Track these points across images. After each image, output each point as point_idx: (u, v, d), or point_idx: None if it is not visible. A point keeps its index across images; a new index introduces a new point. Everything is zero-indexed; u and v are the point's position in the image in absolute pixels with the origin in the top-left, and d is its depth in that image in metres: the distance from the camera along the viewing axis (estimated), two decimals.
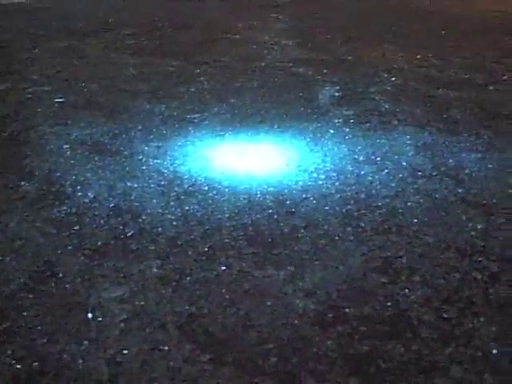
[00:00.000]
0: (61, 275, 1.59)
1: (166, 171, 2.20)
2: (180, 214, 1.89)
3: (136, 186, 2.09)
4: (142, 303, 1.48)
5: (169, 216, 1.88)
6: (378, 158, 2.30)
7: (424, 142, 2.45)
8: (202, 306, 1.47)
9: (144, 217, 1.88)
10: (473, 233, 1.78)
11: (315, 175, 2.15)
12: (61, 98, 3.02)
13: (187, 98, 3.01)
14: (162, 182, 2.11)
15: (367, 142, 2.45)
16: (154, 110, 2.84)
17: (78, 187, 2.08)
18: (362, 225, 1.82)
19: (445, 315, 1.43)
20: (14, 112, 2.82)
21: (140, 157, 2.33)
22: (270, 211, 1.90)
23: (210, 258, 1.66)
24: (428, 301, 1.48)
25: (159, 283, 1.55)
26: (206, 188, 2.06)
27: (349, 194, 2.02)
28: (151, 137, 2.52)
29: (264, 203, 1.95)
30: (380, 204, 1.95)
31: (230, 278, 1.57)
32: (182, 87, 3.17)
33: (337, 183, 2.10)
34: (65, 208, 1.94)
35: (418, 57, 3.74)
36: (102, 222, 1.85)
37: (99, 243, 1.73)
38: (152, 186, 2.09)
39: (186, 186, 2.08)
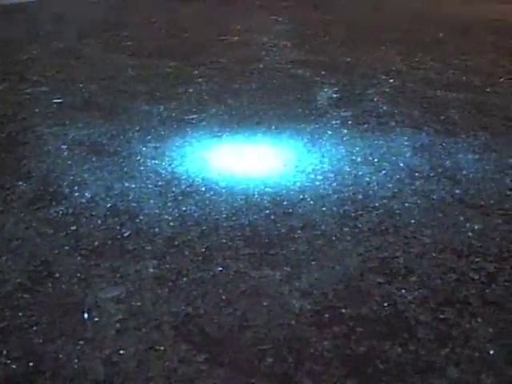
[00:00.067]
0: (57, 275, 1.58)
1: (163, 172, 2.20)
2: (177, 215, 1.89)
3: (133, 186, 2.09)
4: (139, 303, 1.47)
5: (166, 216, 1.88)
6: (376, 159, 2.30)
7: (421, 143, 2.45)
8: (199, 306, 1.46)
9: (141, 217, 1.88)
10: (470, 233, 1.78)
11: (313, 176, 2.15)
12: (59, 98, 3.03)
13: (185, 99, 3.01)
14: (160, 183, 2.11)
15: (365, 143, 2.45)
16: (152, 110, 2.84)
17: (76, 187, 2.08)
18: (359, 225, 1.82)
19: (442, 316, 1.43)
20: (11, 112, 2.82)
21: (138, 157, 2.33)
22: (267, 212, 1.90)
23: (206, 258, 1.66)
24: (425, 301, 1.48)
25: (156, 283, 1.55)
26: (204, 189, 2.06)
27: (346, 194, 2.02)
28: (149, 137, 2.52)
29: (261, 204, 1.95)
30: (377, 205, 1.95)
31: (226, 278, 1.57)
32: (180, 88, 3.18)
33: (334, 184, 2.10)
34: (62, 208, 1.94)
35: (416, 59, 3.75)
36: (99, 222, 1.85)
37: (96, 243, 1.73)
38: (149, 186, 2.09)
39: (183, 187, 2.08)
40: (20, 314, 1.44)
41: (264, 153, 2.37)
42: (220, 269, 1.61)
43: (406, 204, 1.96)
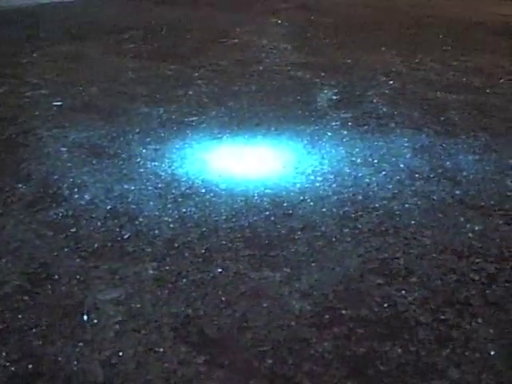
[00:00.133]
0: (57, 277, 1.58)
1: (163, 174, 2.20)
2: (177, 217, 1.89)
3: (133, 188, 2.09)
4: (138, 305, 1.47)
5: (166, 218, 1.88)
6: (376, 160, 2.29)
7: (421, 144, 2.45)
8: (198, 307, 1.46)
9: (141, 219, 1.87)
10: (470, 234, 1.78)
11: (312, 177, 2.15)
12: (59, 101, 3.03)
13: (185, 101, 3.01)
14: (160, 185, 2.11)
15: (365, 144, 2.45)
16: (152, 113, 2.84)
17: (75, 190, 2.07)
18: (359, 226, 1.82)
19: (442, 316, 1.43)
20: (12, 115, 2.82)
21: (138, 159, 2.32)
22: (267, 213, 1.90)
23: (206, 259, 1.66)
24: (425, 302, 1.48)
25: (155, 285, 1.55)
26: (204, 190, 2.06)
27: (346, 195, 2.02)
28: (149, 140, 2.52)
29: (261, 205, 1.95)
30: (377, 206, 1.95)
31: (226, 279, 1.57)
32: (180, 90, 3.18)
33: (334, 185, 2.09)
34: (61, 210, 1.93)
35: (416, 60, 3.75)
36: (98, 224, 1.85)
37: (96, 245, 1.73)
38: (149, 188, 2.09)
39: (183, 189, 2.07)
40: (19, 315, 1.43)
41: (264, 154, 2.37)
42: (220, 270, 1.61)
43: (406, 205, 1.95)
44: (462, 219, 1.86)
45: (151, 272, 1.60)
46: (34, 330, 1.38)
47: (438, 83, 3.27)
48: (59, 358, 1.30)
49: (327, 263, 1.63)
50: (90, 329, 1.38)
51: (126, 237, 1.77)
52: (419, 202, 1.97)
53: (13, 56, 3.92)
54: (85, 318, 1.42)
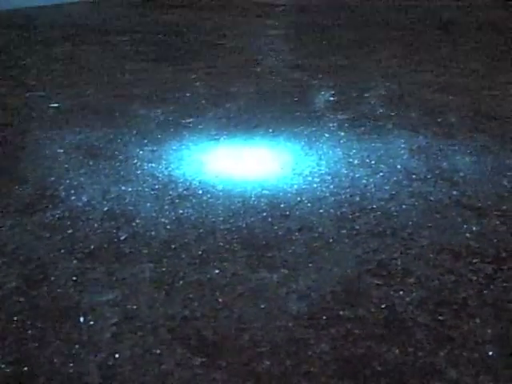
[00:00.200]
0: (53, 279, 1.57)
1: (160, 175, 2.19)
2: (174, 218, 1.88)
3: (130, 189, 2.08)
4: (135, 307, 1.46)
5: (163, 219, 1.87)
6: (373, 162, 2.30)
7: (418, 145, 2.45)
8: (195, 309, 1.45)
9: (138, 220, 1.87)
10: (468, 235, 1.78)
11: (310, 178, 2.15)
12: (56, 103, 3.02)
13: (182, 102, 3.01)
14: (157, 186, 2.11)
15: (362, 145, 2.45)
16: (150, 114, 2.84)
17: (72, 191, 2.07)
18: (357, 227, 1.82)
19: (440, 317, 1.42)
20: (8, 117, 2.82)
21: (135, 161, 2.32)
22: (265, 214, 1.90)
23: (203, 261, 1.65)
24: (423, 303, 1.47)
25: (152, 286, 1.54)
26: (201, 192, 2.05)
27: (343, 196, 2.02)
28: (146, 141, 2.51)
29: (258, 206, 1.95)
30: (375, 207, 1.94)
31: (223, 281, 1.56)
32: (177, 92, 3.18)
33: (331, 186, 2.09)
34: (58, 212, 1.93)
35: (413, 62, 3.76)
36: (95, 225, 1.84)
37: (92, 247, 1.72)
38: (146, 189, 2.08)
39: (180, 190, 2.07)
40: (15, 317, 1.43)
41: (261, 156, 2.37)
42: (217, 271, 1.60)
43: (404, 206, 1.95)
44: (459, 220, 1.86)
45: (148, 273, 1.60)
46: (29, 332, 1.38)
47: (434, 85, 3.27)
48: (55, 360, 1.29)
49: (325, 264, 1.63)
50: (86, 330, 1.38)
51: (122, 238, 1.77)
52: (416, 203, 1.97)
53: (10, 58, 3.91)
54: (81, 319, 1.41)
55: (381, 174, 2.19)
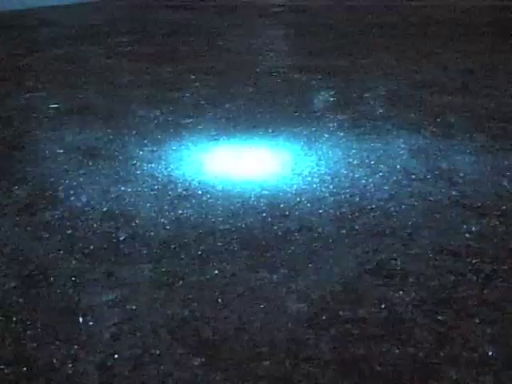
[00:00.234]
0: (52, 279, 1.57)
1: (159, 175, 2.19)
2: (173, 218, 1.88)
3: (129, 190, 2.08)
4: (134, 307, 1.46)
5: (162, 220, 1.87)
6: (372, 162, 2.29)
7: (418, 145, 2.45)
8: (195, 309, 1.45)
9: (137, 221, 1.87)
10: (467, 235, 1.78)
11: (309, 179, 2.15)
12: (56, 103, 3.02)
13: (182, 103, 3.01)
14: (156, 186, 2.10)
15: (361, 145, 2.45)
16: (149, 115, 2.84)
17: (71, 192, 2.07)
18: (356, 227, 1.81)
19: (440, 317, 1.42)
20: (8, 117, 2.81)
21: (134, 161, 2.32)
22: (264, 214, 1.89)
23: (203, 261, 1.65)
24: (422, 303, 1.47)
25: (151, 287, 1.54)
26: (200, 192, 2.05)
27: (343, 197, 2.01)
28: (145, 141, 2.51)
29: (258, 206, 1.94)
30: (374, 207, 1.94)
31: (223, 281, 1.56)
32: (177, 93, 3.18)
33: (331, 186, 2.09)
34: (57, 212, 1.93)
35: (412, 62, 3.76)
36: (94, 226, 1.84)
37: (92, 247, 1.72)
38: (146, 190, 2.08)
39: (179, 190, 2.07)
40: (14, 318, 1.42)
41: (261, 156, 2.36)
42: (216, 272, 1.60)
43: (403, 206, 1.95)
44: (458, 220, 1.86)
45: (147, 274, 1.59)
46: (28, 332, 1.37)
47: (434, 85, 3.28)
48: (54, 361, 1.29)
49: (324, 264, 1.63)
50: (85, 331, 1.37)
51: (122, 238, 1.77)
52: (416, 203, 1.97)
53: (10, 59, 3.91)
54: (80, 320, 1.41)
55: (380, 174, 2.19)
